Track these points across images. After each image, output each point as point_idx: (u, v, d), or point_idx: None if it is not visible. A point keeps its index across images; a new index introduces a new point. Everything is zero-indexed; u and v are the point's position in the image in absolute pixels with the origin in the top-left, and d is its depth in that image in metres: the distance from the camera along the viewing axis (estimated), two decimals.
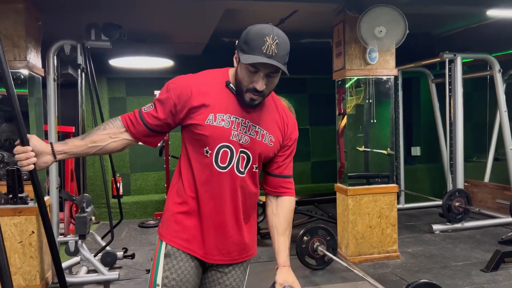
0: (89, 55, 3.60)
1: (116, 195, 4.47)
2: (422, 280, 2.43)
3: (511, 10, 3.78)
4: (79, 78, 3.62)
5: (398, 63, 3.99)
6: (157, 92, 5.16)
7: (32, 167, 1.36)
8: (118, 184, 4.78)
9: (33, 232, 3.33)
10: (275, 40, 1.30)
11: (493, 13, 3.83)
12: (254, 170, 1.47)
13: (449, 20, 5.19)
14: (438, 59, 5.02)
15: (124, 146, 1.47)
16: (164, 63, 5.59)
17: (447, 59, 4.94)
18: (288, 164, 1.56)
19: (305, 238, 3.69)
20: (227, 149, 1.40)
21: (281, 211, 1.54)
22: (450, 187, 5.24)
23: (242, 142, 1.41)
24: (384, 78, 3.95)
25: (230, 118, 1.40)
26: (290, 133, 1.53)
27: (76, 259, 3.69)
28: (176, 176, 1.50)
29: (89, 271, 3.63)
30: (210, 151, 1.40)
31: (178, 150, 6.20)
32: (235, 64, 1.42)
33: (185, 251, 1.44)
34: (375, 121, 3.99)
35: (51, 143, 1.39)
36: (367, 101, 3.97)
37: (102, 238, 4.17)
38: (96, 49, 3.71)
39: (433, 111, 6.22)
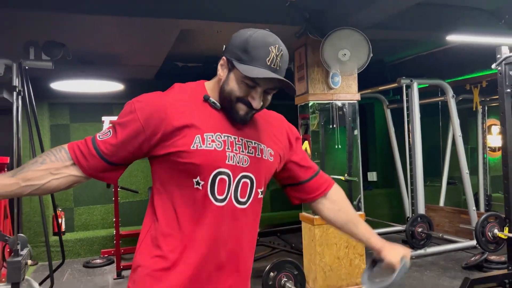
0: (27, 77, 3.19)
1: (57, 232, 3.97)
2: None
3: (470, 36, 3.86)
4: (15, 102, 3.19)
5: None
6: (105, 119, 4.75)
7: None
8: (59, 220, 4.29)
9: None
10: (281, 51, 1.10)
11: (453, 38, 3.89)
12: (259, 196, 1.20)
13: (400, 48, 5.30)
14: (395, 84, 5.07)
15: (69, 185, 1.14)
16: (113, 87, 5.21)
17: (404, 85, 4.99)
18: (309, 162, 1.36)
19: (271, 274, 3.41)
20: (225, 176, 1.12)
21: (341, 203, 1.40)
22: (410, 212, 5.21)
23: (242, 164, 1.15)
24: (347, 103, 3.86)
25: (221, 138, 1.13)
26: (290, 135, 1.31)
27: None
28: (149, 221, 1.18)
29: None
30: (202, 182, 1.11)
31: (129, 180, 5.76)
32: (220, 73, 1.16)
33: None
34: (339, 146, 3.87)
35: None
36: (330, 126, 3.86)
37: (41, 284, 3.64)
38: (36, 71, 3.30)
39: (388, 136, 6.28)
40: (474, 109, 5.59)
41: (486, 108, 6.18)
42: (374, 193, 6.73)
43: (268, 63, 1.08)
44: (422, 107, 6.60)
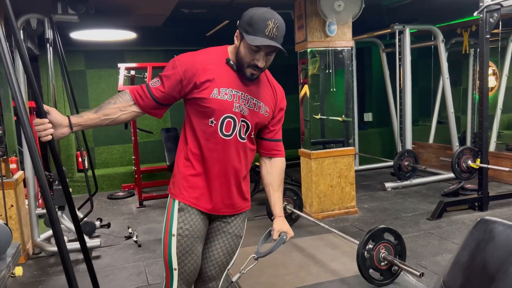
0: (56, 29, 3.59)
1: (82, 169, 4.48)
2: (380, 226, 2.82)
3: None
4: (48, 52, 3.62)
5: (352, 34, 4.28)
6: (121, 65, 5.18)
7: (49, 137, 1.50)
8: (84, 158, 4.83)
9: (12, 205, 3.41)
10: (276, 23, 1.51)
11: None
12: (252, 136, 1.70)
13: None
14: (389, 30, 5.39)
15: (132, 117, 1.65)
16: (125, 35, 5.57)
17: (397, 30, 5.32)
18: (279, 130, 1.80)
19: None
20: (231, 119, 1.61)
21: (275, 170, 1.78)
22: (399, 148, 5.75)
23: (243, 113, 1.62)
24: (342, 49, 4.26)
25: (232, 92, 1.60)
26: (279, 103, 1.76)
27: None
28: (182, 143, 1.70)
29: (69, 241, 3.76)
30: (215, 122, 1.59)
31: (143, 122, 6.27)
32: (236, 42, 1.61)
33: (195, 207, 1.67)
34: (334, 89, 4.32)
35: (68, 116, 1.55)
36: (327, 71, 4.28)
37: (78, 209, 4.28)
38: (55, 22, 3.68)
39: (383, 79, 6.67)
40: (463, 52, 5.92)
41: (477, 50, 6.48)
42: (369, 132, 7.24)
43: (267, 33, 1.49)
44: (417, 50, 6.93)
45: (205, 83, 1.57)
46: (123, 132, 5.99)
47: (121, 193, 5.79)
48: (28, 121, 1.30)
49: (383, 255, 2.74)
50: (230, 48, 1.66)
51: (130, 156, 6.38)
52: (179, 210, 1.67)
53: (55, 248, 3.55)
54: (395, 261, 2.71)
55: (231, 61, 1.62)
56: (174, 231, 1.66)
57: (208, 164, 1.64)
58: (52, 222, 1.33)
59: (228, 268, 1.83)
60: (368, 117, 7.49)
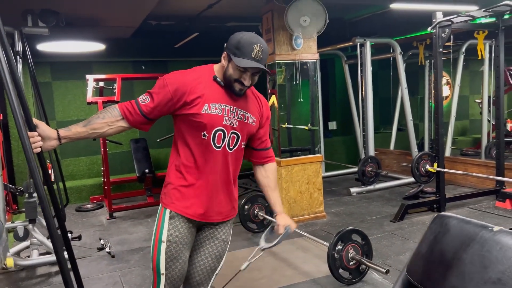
0: (26, 42, 3.59)
1: (48, 182, 4.43)
2: (348, 228, 3.00)
3: (412, 4, 4.48)
4: (18, 64, 3.61)
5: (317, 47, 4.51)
6: (89, 77, 5.17)
7: (38, 150, 1.58)
8: (49, 171, 4.78)
9: None
10: (261, 47, 1.66)
11: (396, 6, 4.50)
12: (242, 147, 1.83)
13: (358, 7, 5.86)
14: (351, 43, 5.68)
15: (119, 131, 1.74)
16: (94, 47, 5.56)
17: (358, 43, 5.62)
18: (267, 139, 1.95)
19: (246, 206, 4.14)
20: (221, 132, 1.73)
21: (270, 173, 1.94)
22: (363, 155, 6.03)
23: (233, 125, 1.75)
24: (308, 61, 4.48)
25: (221, 106, 1.73)
26: (265, 112, 1.91)
27: (25, 243, 3.75)
28: (173, 156, 1.80)
29: (40, 254, 3.72)
30: (207, 134, 1.71)
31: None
32: (223, 62, 1.74)
33: (186, 216, 1.76)
34: (301, 99, 4.52)
35: (56, 129, 1.62)
36: (294, 82, 4.48)
37: None
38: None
39: (346, 89, 6.98)
40: (419, 64, 6.32)
41: (432, 62, 6.92)
42: (334, 140, 7.52)
43: (253, 56, 1.64)
44: (378, 62, 7.30)
45: (196, 100, 1.69)
46: (91, 143, 5.95)
47: (89, 205, 5.73)
48: (27, 135, 1.37)
49: (351, 255, 2.92)
50: (216, 67, 1.79)
51: (98, 168, 6.32)
52: (170, 218, 1.76)
53: (26, 262, 3.51)
54: (363, 260, 2.89)
55: (218, 78, 1.75)
56: (164, 238, 1.75)
57: (199, 175, 1.75)
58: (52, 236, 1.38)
59: (216, 273, 1.93)
60: (333, 125, 7.78)
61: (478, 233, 1.30)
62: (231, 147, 1.78)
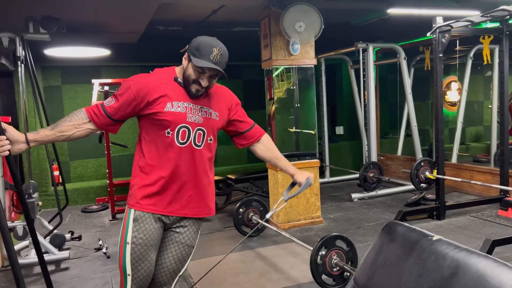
0: (28, 47, 3.72)
1: (57, 183, 4.59)
2: (332, 234, 3.00)
3: (409, 9, 4.45)
4: (19, 69, 3.75)
5: (321, 51, 4.52)
6: (95, 81, 5.31)
7: (6, 153, 1.65)
8: (55, 172, 4.91)
9: None
10: (220, 51, 1.74)
11: (393, 11, 4.47)
12: (209, 142, 1.87)
13: (360, 12, 5.83)
14: (354, 48, 5.66)
15: (87, 134, 1.80)
16: (99, 52, 5.71)
17: (361, 48, 5.59)
18: (246, 119, 2.02)
19: (240, 210, 4.17)
20: (186, 129, 1.79)
21: (269, 145, 2.07)
22: (366, 160, 5.98)
23: (197, 121, 1.81)
24: (306, 67, 4.48)
25: (184, 104, 1.79)
26: (231, 101, 1.97)
27: (25, 243, 3.88)
28: (138, 156, 1.85)
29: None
30: (171, 132, 1.77)
31: (119, 136, 6.37)
32: (184, 62, 1.81)
33: (151, 212, 1.80)
34: (298, 105, 4.53)
35: (25, 133, 1.69)
36: (291, 87, 4.49)
37: (49, 222, 4.36)
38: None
39: (353, 93, 6.93)
40: (425, 69, 6.23)
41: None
42: (340, 145, 7.48)
43: (211, 58, 1.72)
44: (386, 66, 7.24)
45: (159, 99, 1.75)
46: (98, 146, 6.07)
47: (95, 206, 5.86)
48: None
49: (335, 261, 2.91)
50: (177, 69, 1.86)
51: (104, 170, 6.45)
52: (134, 220, 1.81)
53: (25, 261, 3.63)
54: (346, 267, 2.88)
55: (178, 79, 1.82)
56: (129, 239, 1.81)
57: (164, 173, 1.79)
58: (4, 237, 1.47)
59: (179, 274, 1.97)
60: (340, 130, 7.75)
61: (418, 241, 1.30)
62: (198, 144, 1.83)
